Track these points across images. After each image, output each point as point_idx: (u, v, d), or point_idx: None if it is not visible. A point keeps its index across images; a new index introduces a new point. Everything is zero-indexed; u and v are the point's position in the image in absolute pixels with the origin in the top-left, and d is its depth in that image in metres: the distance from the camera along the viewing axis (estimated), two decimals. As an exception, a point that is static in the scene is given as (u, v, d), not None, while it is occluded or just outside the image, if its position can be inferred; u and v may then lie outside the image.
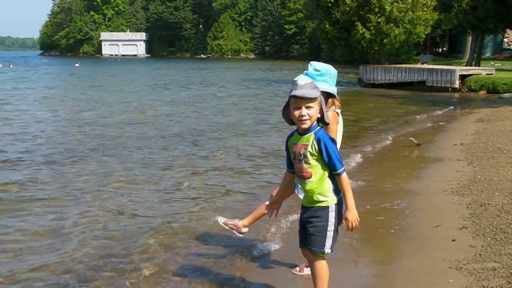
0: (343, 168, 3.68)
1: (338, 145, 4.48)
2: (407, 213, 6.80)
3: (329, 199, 3.79)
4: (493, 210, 6.19)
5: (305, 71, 4.67)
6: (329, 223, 3.80)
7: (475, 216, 6.08)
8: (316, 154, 3.71)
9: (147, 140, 13.10)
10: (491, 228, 5.57)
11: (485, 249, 5.02)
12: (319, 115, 3.71)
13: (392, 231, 6.21)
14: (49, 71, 54.76)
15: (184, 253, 5.68)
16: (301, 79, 4.49)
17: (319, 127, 3.73)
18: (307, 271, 4.97)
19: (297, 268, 5.11)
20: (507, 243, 5.12)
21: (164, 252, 5.72)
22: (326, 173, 3.75)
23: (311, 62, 4.69)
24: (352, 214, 3.74)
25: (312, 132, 3.72)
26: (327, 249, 3.84)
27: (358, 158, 10.77)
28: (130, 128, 14.98)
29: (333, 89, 4.61)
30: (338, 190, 3.80)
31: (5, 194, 8.04)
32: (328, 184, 3.77)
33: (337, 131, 4.68)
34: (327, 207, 3.79)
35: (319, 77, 4.55)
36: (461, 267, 4.70)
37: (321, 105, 3.71)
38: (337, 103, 4.69)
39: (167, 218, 6.92)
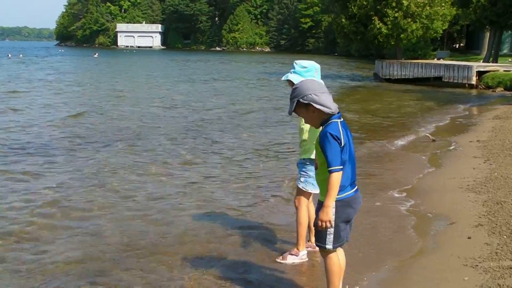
0: (337, 167, 3.63)
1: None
2: (422, 209, 6.79)
3: None
4: (510, 208, 6.16)
5: (292, 70, 4.94)
6: None
7: (491, 214, 6.06)
8: (319, 148, 3.75)
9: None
10: (508, 226, 5.55)
11: (501, 247, 5.01)
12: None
13: (407, 227, 6.21)
14: (76, 63, 55.30)
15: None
16: (291, 78, 4.66)
17: (331, 122, 3.72)
18: (291, 259, 5.16)
19: (281, 257, 5.25)
20: (524, 241, 5.10)
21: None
22: None
23: (296, 61, 5.01)
24: (326, 215, 3.71)
25: (323, 126, 3.77)
26: (328, 245, 3.86)
27: (374, 152, 10.75)
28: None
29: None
30: (345, 186, 3.77)
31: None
32: None
33: None
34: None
35: (307, 73, 4.87)
36: (477, 265, 4.69)
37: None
38: None
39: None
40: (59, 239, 5.86)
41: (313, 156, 4.84)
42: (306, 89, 3.73)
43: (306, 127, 4.93)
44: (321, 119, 3.76)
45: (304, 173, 5.04)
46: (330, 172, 3.64)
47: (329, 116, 3.73)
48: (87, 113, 16.16)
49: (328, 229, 3.80)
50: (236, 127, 14.35)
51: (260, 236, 5.99)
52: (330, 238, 3.84)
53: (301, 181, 5.06)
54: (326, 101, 3.70)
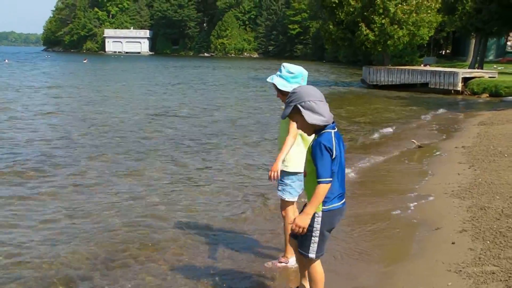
0: (326, 179, 3.61)
1: (293, 135, 4.70)
2: (408, 215, 6.84)
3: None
4: (493, 214, 6.23)
5: (278, 73, 4.81)
6: (314, 229, 3.78)
7: (475, 219, 6.12)
8: (309, 157, 3.75)
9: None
10: (491, 232, 5.61)
11: (484, 253, 5.06)
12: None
13: (393, 233, 6.26)
14: (71, 69, 54.85)
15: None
16: (276, 82, 4.64)
17: (325, 132, 3.69)
18: (279, 266, 5.20)
19: (269, 263, 5.28)
20: (507, 246, 5.16)
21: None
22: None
23: (284, 64, 4.85)
24: (302, 221, 3.70)
25: (316, 135, 3.74)
26: (311, 254, 3.84)
27: (358, 159, 10.79)
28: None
29: None
30: (331, 198, 3.75)
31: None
32: None
33: None
34: (314, 213, 3.76)
35: (293, 79, 4.75)
36: (460, 270, 4.74)
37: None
38: None
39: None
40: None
41: (287, 169, 4.85)
42: (306, 95, 3.67)
43: (282, 139, 4.91)
44: (315, 127, 3.71)
45: (281, 183, 5.01)
46: (319, 183, 3.61)
47: (324, 125, 3.69)
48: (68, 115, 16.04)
49: (312, 238, 3.79)
50: (222, 134, 14.36)
51: (249, 244, 6.00)
52: (314, 247, 3.82)
53: (278, 190, 5.04)
54: (323, 110, 3.65)
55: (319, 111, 3.64)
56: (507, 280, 4.41)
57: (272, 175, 4.65)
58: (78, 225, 6.59)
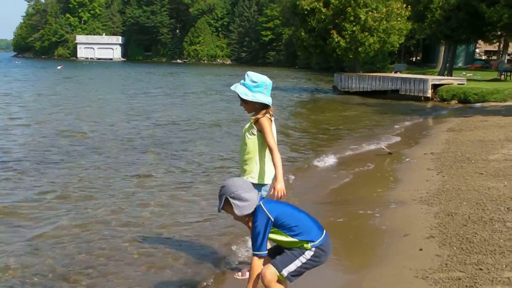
0: (257, 252, 3.84)
1: (276, 149, 4.73)
2: (376, 222, 6.89)
3: None
4: (460, 220, 6.32)
5: (242, 81, 4.81)
6: (303, 257, 3.96)
7: (443, 225, 6.20)
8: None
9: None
10: (458, 238, 5.69)
11: (451, 259, 5.13)
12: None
13: (361, 240, 6.30)
14: (51, 75, 53.75)
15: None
16: (238, 91, 4.71)
17: (255, 211, 3.90)
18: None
19: (239, 273, 5.26)
20: (472, 252, 5.23)
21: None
22: None
23: (248, 73, 4.85)
24: None
25: (251, 219, 3.96)
26: (284, 271, 3.91)
27: (328, 166, 10.85)
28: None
29: (268, 100, 4.79)
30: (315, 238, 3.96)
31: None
32: None
33: (273, 133, 4.83)
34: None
35: (256, 88, 4.76)
36: (427, 277, 4.79)
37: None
38: (271, 112, 4.85)
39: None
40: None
41: (254, 181, 4.86)
42: (233, 187, 3.93)
43: (243, 149, 4.92)
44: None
45: None
46: (253, 254, 3.88)
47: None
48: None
49: (297, 260, 3.90)
50: (195, 139, 14.29)
51: (217, 252, 5.97)
52: (291, 267, 3.90)
53: None
54: (251, 196, 3.91)
55: (247, 198, 3.90)
56: (472, 286, 4.48)
57: (279, 195, 4.60)
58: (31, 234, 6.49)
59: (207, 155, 12.04)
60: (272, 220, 3.84)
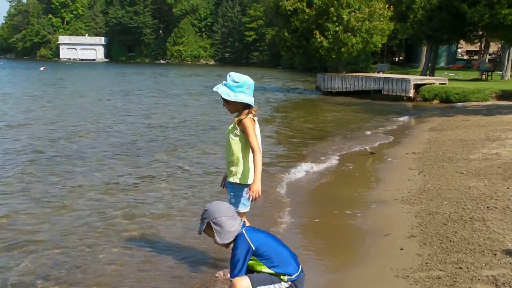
0: (234, 277, 3.88)
1: (260, 148, 4.77)
2: (358, 221, 6.91)
3: None
4: (441, 219, 6.36)
5: (224, 82, 4.83)
6: None
7: (423, 224, 6.23)
8: None
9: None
10: (438, 237, 5.72)
11: (431, 258, 5.15)
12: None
13: (342, 239, 6.31)
14: (36, 76, 53.19)
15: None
16: (220, 92, 4.74)
17: (237, 237, 3.97)
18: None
19: (221, 273, 5.23)
20: (453, 251, 5.27)
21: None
22: None
23: (230, 73, 4.86)
24: None
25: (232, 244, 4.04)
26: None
27: (311, 166, 10.86)
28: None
29: (250, 100, 4.81)
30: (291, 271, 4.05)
31: None
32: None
33: (257, 133, 4.85)
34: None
35: (238, 88, 4.77)
36: (408, 276, 4.81)
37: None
38: (253, 112, 4.87)
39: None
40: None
41: (240, 181, 4.86)
42: (216, 212, 4.01)
43: (234, 149, 4.91)
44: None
45: (234, 195, 5.00)
46: (230, 280, 3.93)
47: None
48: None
49: (272, 286, 3.97)
50: (194, 141, 14.24)
51: (199, 253, 5.94)
52: None
53: (231, 202, 4.96)
54: (232, 225, 3.99)
55: (230, 226, 3.98)
56: (452, 285, 4.50)
57: (254, 196, 4.63)
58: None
59: (207, 156, 12.06)
60: (253, 249, 3.88)
